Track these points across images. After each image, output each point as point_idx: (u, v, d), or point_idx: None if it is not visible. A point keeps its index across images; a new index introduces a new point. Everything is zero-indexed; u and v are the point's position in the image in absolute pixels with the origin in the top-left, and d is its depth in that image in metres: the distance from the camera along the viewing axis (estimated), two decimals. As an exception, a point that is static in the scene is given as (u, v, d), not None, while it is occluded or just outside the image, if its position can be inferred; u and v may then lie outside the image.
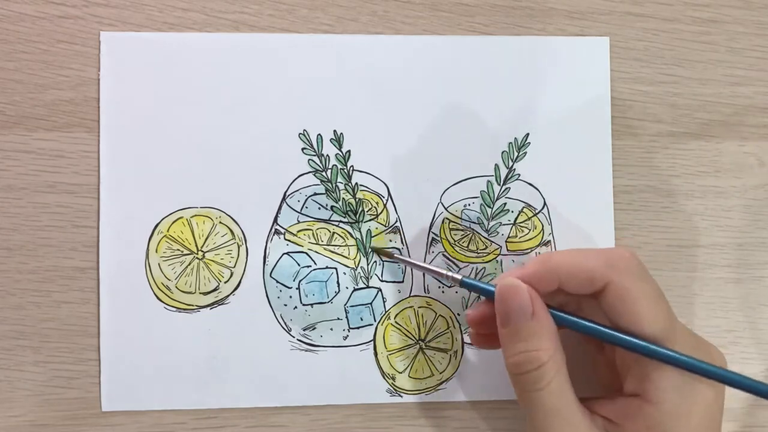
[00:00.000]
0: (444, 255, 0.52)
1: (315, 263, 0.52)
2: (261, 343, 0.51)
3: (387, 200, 0.52)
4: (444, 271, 0.48)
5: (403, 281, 0.52)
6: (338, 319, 0.52)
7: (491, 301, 0.45)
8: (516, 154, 0.53)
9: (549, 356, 0.43)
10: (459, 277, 0.47)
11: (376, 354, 0.52)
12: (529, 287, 0.44)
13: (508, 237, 0.53)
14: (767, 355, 0.54)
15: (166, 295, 0.51)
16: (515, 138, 0.53)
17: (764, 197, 0.54)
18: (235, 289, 0.51)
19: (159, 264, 0.51)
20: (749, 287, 0.54)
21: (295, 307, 0.52)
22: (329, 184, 0.52)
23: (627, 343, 0.43)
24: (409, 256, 0.52)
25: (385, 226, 0.52)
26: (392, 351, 0.52)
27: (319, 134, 0.52)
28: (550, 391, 0.43)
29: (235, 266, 0.52)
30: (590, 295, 0.45)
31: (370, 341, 0.52)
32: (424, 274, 0.52)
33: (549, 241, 0.53)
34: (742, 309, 0.54)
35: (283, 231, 0.52)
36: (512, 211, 0.53)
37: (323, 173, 0.52)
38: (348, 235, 0.52)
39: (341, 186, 0.52)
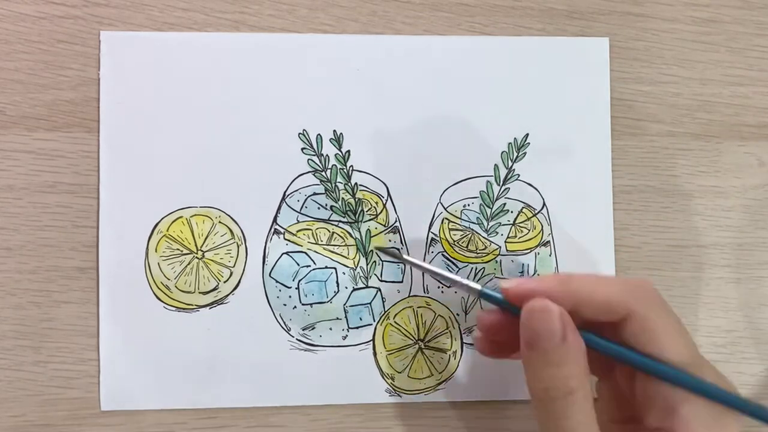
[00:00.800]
0: (443, 255, 0.52)
1: (314, 263, 0.52)
2: (260, 342, 0.51)
3: (386, 200, 0.52)
4: (463, 280, 0.46)
5: (402, 281, 0.52)
6: (337, 318, 0.52)
7: (511, 314, 0.43)
8: (515, 154, 0.53)
9: (579, 383, 0.40)
10: (478, 287, 0.45)
11: (375, 354, 0.52)
12: (561, 309, 0.41)
13: (508, 237, 0.53)
14: (767, 355, 0.54)
15: (165, 294, 0.51)
16: (515, 138, 0.53)
17: (764, 197, 0.54)
18: (235, 288, 0.51)
19: (158, 263, 0.51)
20: (749, 287, 0.54)
21: (295, 307, 0.52)
22: (329, 183, 0.52)
23: (661, 370, 0.41)
24: (409, 256, 0.52)
25: (384, 226, 0.52)
26: (391, 351, 0.52)
27: (319, 134, 0.52)
28: (577, 422, 0.40)
29: (234, 266, 0.52)
30: (606, 324, 0.42)
31: (370, 341, 0.52)
32: (423, 274, 0.53)
33: (548, 242, 0.53)
34: (742, 309, 0.54)
35: (282, 231, 0.52)
36: (511, 212, 0.53)
37: (323, 173, 0.52)
38: (347, 235, 0.52)
39: (341, 186, 0.52)
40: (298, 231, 0.52)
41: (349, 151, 0.52)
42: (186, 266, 0.51)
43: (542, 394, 0.41)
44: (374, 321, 0.52)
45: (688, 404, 0.40)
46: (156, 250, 0.51)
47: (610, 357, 0.43)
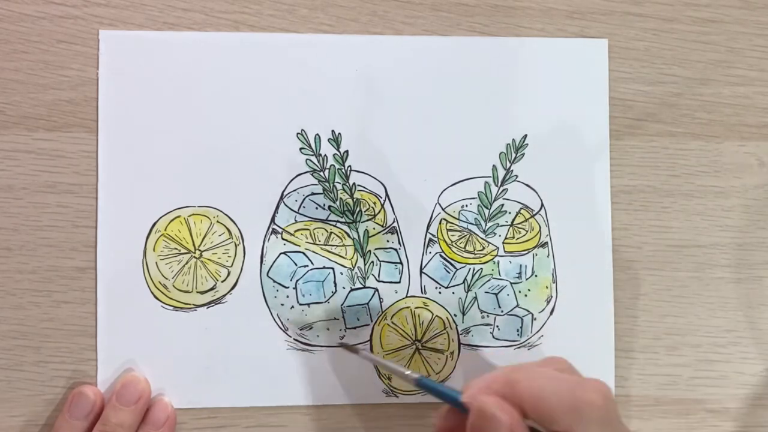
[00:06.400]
0: (441, 256, 0.52)
1: (312, 263, 0.52)
2: (257, 342, 0.51)
3: (384, 200, 0.52)
4: (402, 370, 0.45)
5: (400, 282, 0.52)
6: (335, 319, 0.52)
7: (457, 410, 0.41)
8: (514, 155, 0.53)
9: None
10: (416, 376, 0.44)
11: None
12: (511, 411, 0.39)
13: (506, 238, 0.53)
14: (767, 355, 0.54)
15: (163, 293, 0.51)
16: (513, 139, 0.53)
17: (764, 197, 0.54)
18: (232, 288, 0.52)
19: (156, 263, 0.51)
20: (749, 287, 0.54)
21: (292, 307, 0.52)
22: (327, 183, 0.52)
23: None
24: (407, 257, 0.52)
25: (382, 226, 0.52)
26: (388, 351, 0.52)
27: (317, 134, 0.52)
28: None
29: (232, 265, 0.52)
30: None
31: (367, 341, 0.52)
32: (421, 275, 0.53)
33: (546, 243, 0.53)
34: (742, 309, 0.54)
35: (280, 230, 0.52)
36: (510, 213, 0.53)
37: (321, 173, 0.52)
38: (345, 235, 0.52)
39: (339, 186, 0.52)
40: (295, 231, 0.52)
41: (347, 151, 0.52)
42: (184, 266, 0.51)
43: None
44: (372, 321, 0.52)
45: None
46: (154, 250, 0.51)
47: None
